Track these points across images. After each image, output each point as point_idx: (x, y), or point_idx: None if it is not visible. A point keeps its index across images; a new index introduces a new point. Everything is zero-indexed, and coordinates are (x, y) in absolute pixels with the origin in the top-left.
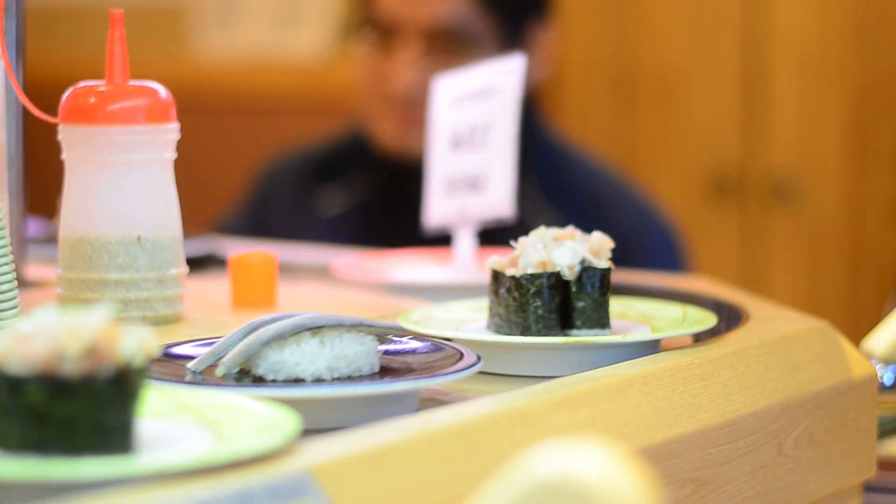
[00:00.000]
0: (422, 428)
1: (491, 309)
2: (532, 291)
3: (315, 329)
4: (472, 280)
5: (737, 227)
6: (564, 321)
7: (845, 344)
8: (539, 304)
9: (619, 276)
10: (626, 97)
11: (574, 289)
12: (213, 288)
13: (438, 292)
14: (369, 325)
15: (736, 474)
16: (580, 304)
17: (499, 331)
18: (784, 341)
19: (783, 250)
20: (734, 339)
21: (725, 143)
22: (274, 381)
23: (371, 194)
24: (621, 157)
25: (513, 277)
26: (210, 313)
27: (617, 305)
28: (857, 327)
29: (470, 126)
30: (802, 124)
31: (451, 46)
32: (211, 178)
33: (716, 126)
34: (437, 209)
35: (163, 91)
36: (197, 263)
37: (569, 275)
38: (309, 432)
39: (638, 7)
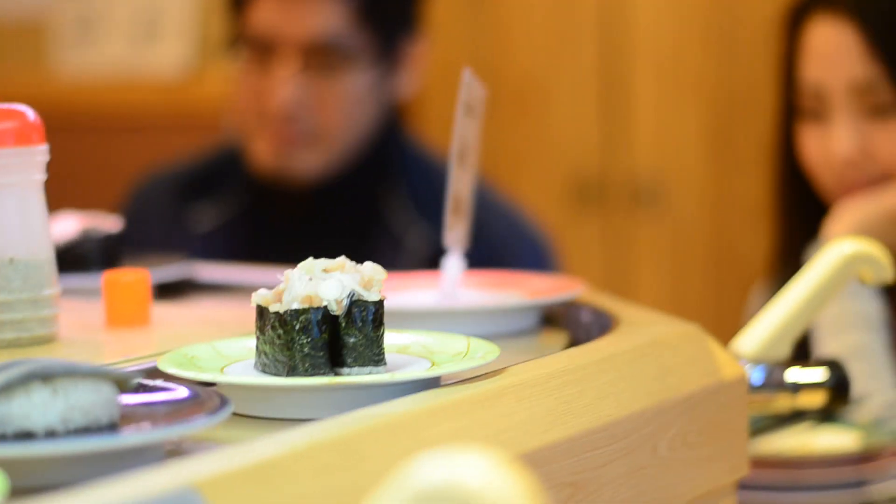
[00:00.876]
0: (300, 441)
1: (258, 347)
2: (298, 328)
3: (46, 377)
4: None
5: (600, 232)
6: (335, 358)
7: (714, 346)
8: (306, 341)
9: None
10: (486, 106)
11: (343, 324)
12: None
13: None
14: (107, 373)
15: (612, 477)
16: (351, 340)
17: (265, 370)
18: (655, 345)
19: (647, 254)
20: (606, 345)
21: (586, 150)
22: (3, 436)
23: (242, 211)
24: (484, 166)
25: (277, 313)
26: (85, 332)
27: (399, 338)
28: (722, 328)
29: (468, 142)
30: (663, 129)
31: (328, 62)
32: (79, 196)
33: (576, 132)
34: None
35: (30, 113)
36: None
37: (337, 309)
38: (41, 489)
39: (495, 16)
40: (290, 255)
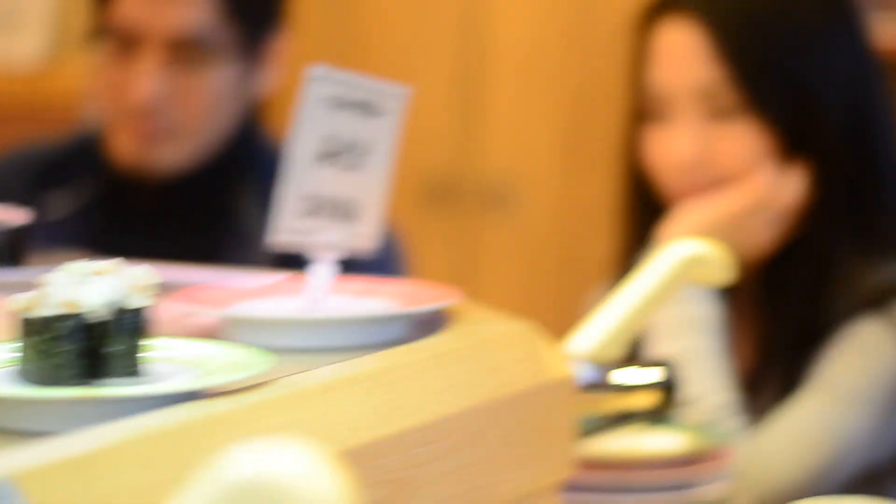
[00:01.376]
0: (120, 434)
1: (22, 354)
2: (55, 336)
3: None
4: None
5: (451, 232)
6: (96, 368)
7: (546, 345)
8: (63, 349)
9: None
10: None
11: (104, 332)
12: None
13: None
14: None
15: (437, 474)
16: (111, 349)
17: (26, 380)
18: (485, 343)
19: (498, 255)
20: (436, 342)
21: (439, 149)
22: None
23: (96, 201)
24: None
25: (34, 319)
26: None
27: (165, 347)
28: (568, 330)
29: (348, 141)
30: (516, 131)
31: (192, 57)
32: None
33: (430, 132)
34: (290, 226)
35: None
36: None
37: (99, 316)
38: None
39: (354, 13)
40: (139, 249)
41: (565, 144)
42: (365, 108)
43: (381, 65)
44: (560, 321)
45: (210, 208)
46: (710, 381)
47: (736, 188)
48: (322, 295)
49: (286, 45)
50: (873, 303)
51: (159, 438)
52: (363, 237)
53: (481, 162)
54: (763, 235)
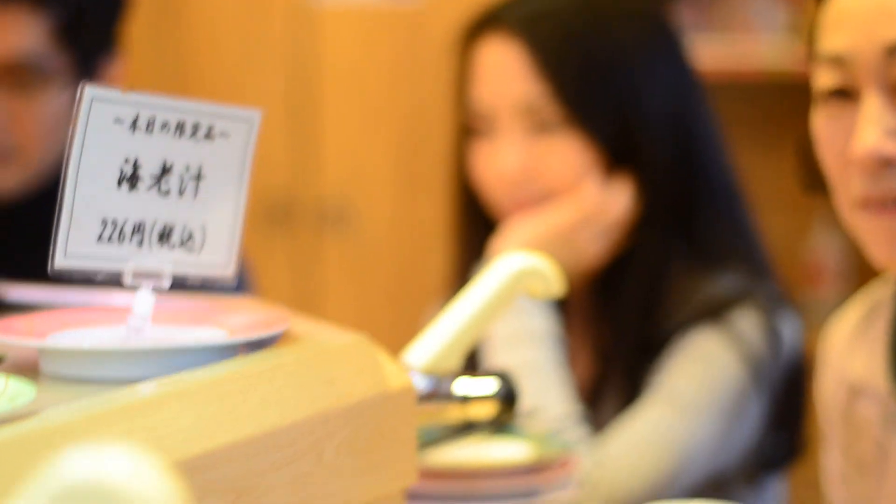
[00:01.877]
0: None
1: None
2: None
3: None
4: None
5: (291, 252)
6: None
7: (383, 356)
8: None
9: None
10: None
11: None
12: None
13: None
14: None
15: (276, 484)
16: None
17: None
18: (322, 355)
19: (334, 275)
20: (273, 355)
21: (276, 170)
22: None
23: None
24: None
25: None
26: None
27: None
28: (406, 347)
29: (182, 164)
30: (351, 150)
31: (24, 81)
32: None
33: (265, 154)
34: (78, 252)
35: None
36: None
37: None
38: None
39: (185, 36)
40: None
41: (399, 163)
42: (198, 131)
43: (212, 87)
44: (398, 337)
45: (45, 231)
46: (550, 393)
47: (563, 202)
48: (142, 324)
49: (121, 71)
50: (708, 313)
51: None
52: (212, 265)
53: (317, 182)
54: (593, 248)
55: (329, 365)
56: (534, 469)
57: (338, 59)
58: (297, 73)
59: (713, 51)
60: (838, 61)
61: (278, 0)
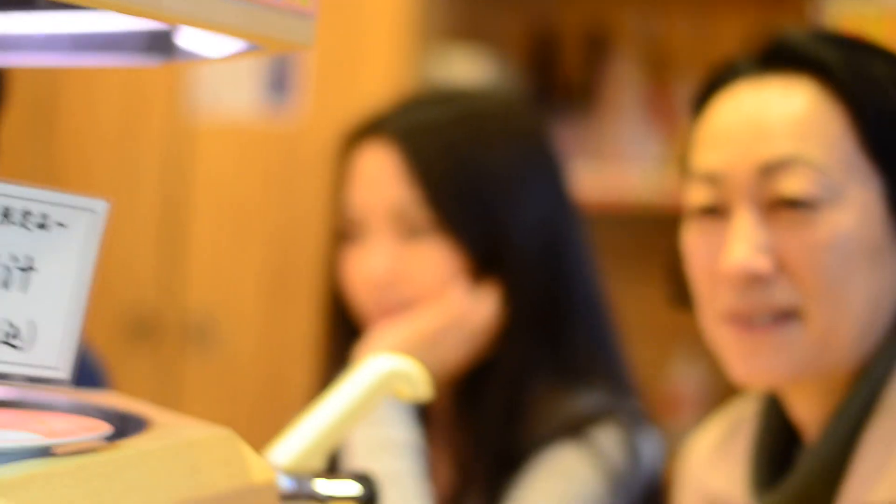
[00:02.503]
0: None
1: None
2: None
3: None
4: None
5: (153, 367)
6: None
7: (247, 451)
8: None
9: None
10: None
11: None
12: None
13: None
14: None
15: None
16: None
17: None
18: (186, 446)
19: (199, 391)
20: (138, 443)
21: (142, 285)
22: None
23: None
24: None
25: None
26: None
27: None
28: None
29: (6, 254)
30: (220, 266)
31: None
32: None
33: (132, 267)
34: None
35: None
36: None
37: None
38: None
39: (54, 147)
40: None
41: (267, 278)
42: (29, 219)
43: (85, 194)
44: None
45: None
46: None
47: (429, 307)
48: None
49: None
50: (569, 429)
51: None
52: (43, 365)
53: (183, 297)
54: (456, 353)
55: (192, 455)
56: None
57: (210, 174)
58: (170, 188)
59: (586, 177)
60: (712, 179)
61: (154, 113)
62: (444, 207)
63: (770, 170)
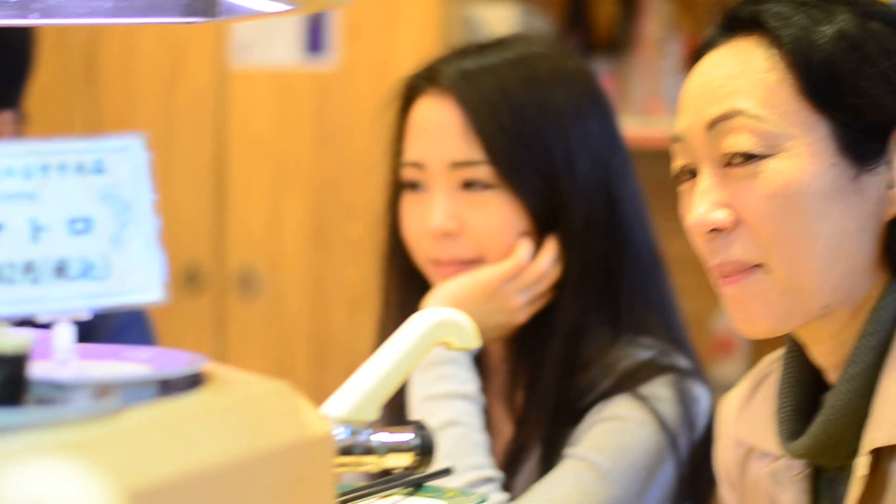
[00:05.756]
0: None
1: None
2: None
3: None
4: None
5: (204, 317)
6: None
7: (304, 404)
8: None
9: None
10: None
11: None
12: None
13: None
14: None
15: None
16: None
17: None
18: (244, 400)
19: (250, 340)
20: (195, 400)
21: (187, 235)
22: None
23: None
24: None
25: None
26: None
27: None
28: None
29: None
30: (267, 221)
31: None
32: None
33: (177, 216)
34: None
35: None
36: None
37: None
38: None
39: (101, 94)
40: None
41: (314, 230)
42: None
43: None
44: (314, 399)
45: None
46: (469, 455)
47: (491, 261)
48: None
49: (9, 127)
50: (626, 383)
51: None
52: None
53: (227, 246)
54: (517, 306)
55: (251, 410)
56: None
57: (252, 128)
58: (212, 137)
59: (628, 128)
60: (681, 141)
61: (194, 64)
62: (505, 165)
63: (714, 127)
